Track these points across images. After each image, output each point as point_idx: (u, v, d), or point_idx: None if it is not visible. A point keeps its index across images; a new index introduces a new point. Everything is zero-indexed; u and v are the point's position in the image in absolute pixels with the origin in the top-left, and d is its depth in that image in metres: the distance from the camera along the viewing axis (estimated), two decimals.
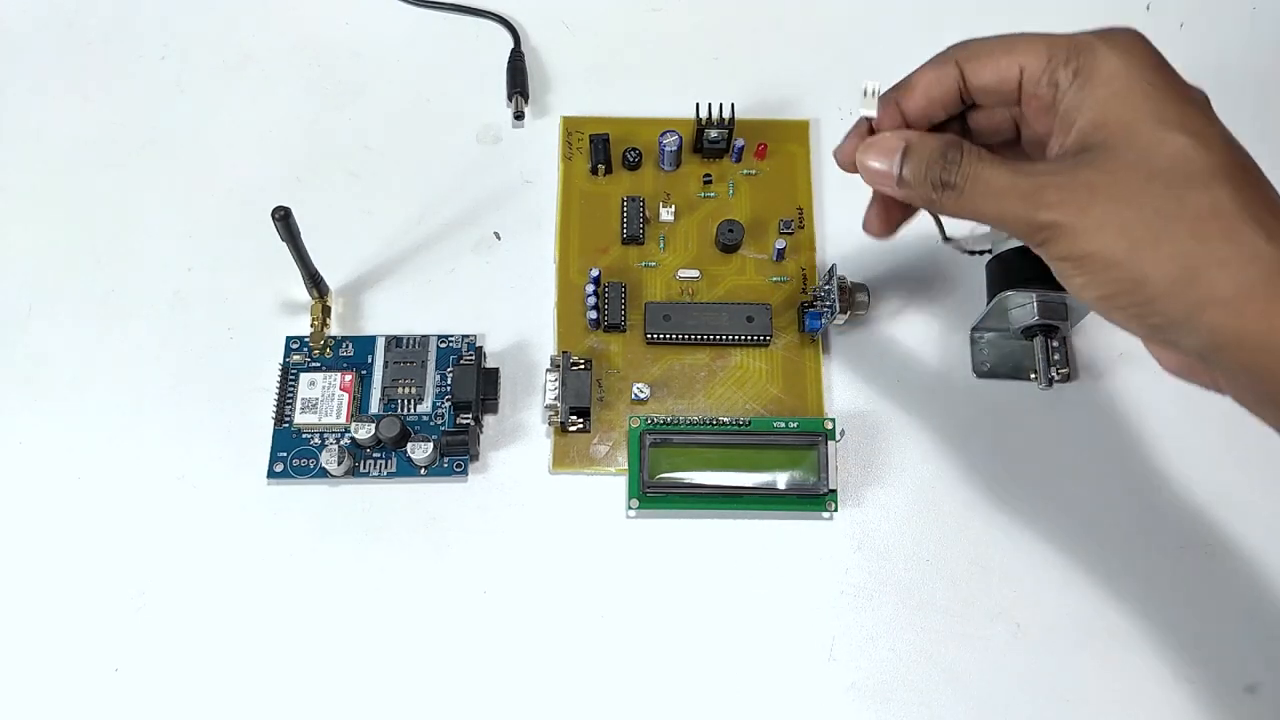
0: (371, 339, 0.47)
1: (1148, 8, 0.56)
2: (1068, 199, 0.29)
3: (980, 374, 0.47)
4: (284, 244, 0.42)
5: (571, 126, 0.52)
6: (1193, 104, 0.30)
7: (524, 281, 0.48)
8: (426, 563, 0.43)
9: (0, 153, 0.51)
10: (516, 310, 0.48)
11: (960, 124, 0.36)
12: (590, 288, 0.46)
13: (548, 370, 0.44)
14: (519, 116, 0.52)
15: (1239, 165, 0.29)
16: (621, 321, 0.46)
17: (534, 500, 0.44)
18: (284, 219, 0.40)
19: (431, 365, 0.46)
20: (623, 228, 0.49)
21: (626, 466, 0.44)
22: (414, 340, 0.46)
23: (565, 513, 0.44)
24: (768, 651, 0.42)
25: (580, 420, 0.45)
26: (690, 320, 0.46)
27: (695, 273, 0.48)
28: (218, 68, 0.53)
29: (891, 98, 0.35)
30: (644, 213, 0.49)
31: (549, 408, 0.44)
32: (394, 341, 0.46)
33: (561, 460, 0.45)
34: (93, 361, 0.47)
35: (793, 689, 0.41)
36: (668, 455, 0.43)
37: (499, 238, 0.50)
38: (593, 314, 0.46)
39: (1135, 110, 0.30)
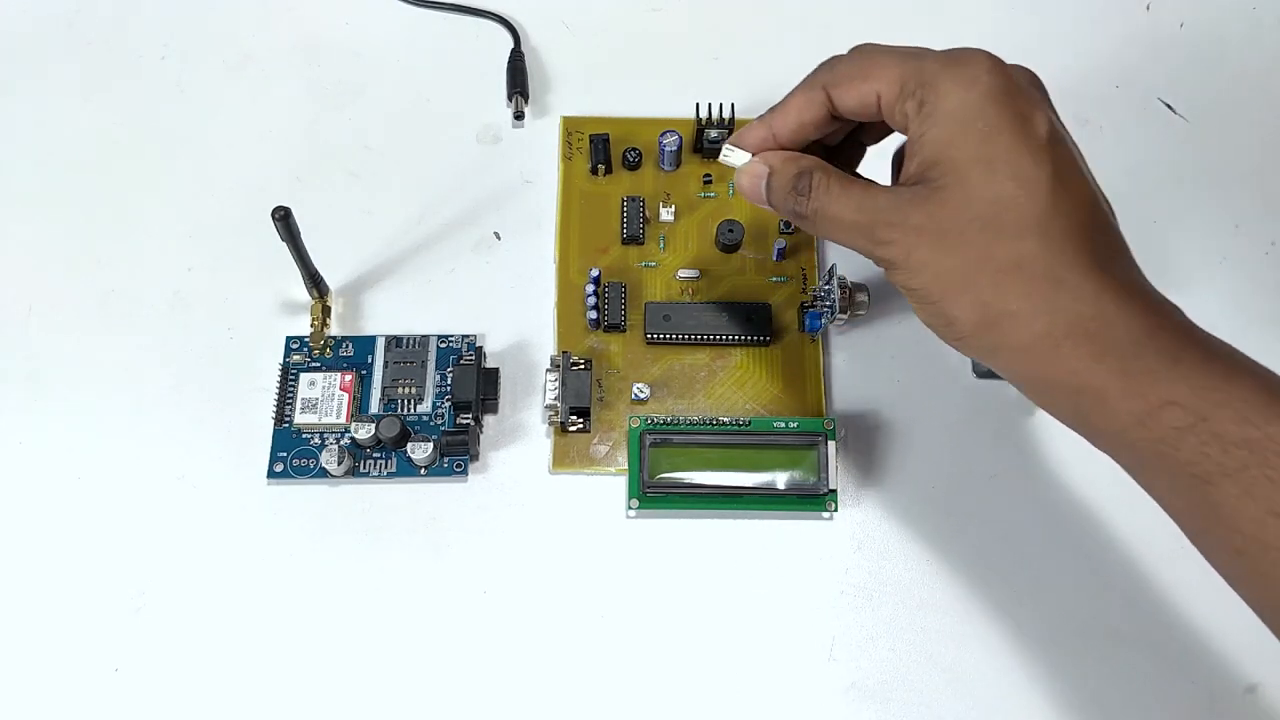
0: (371, 339, 0.47)
1: (1148, 8, 0.56)
2: (898, 239, 0.32)
3: (980, 374, 0.47)
4: (284, 244, 0.42)
5: (571, 126, 0.52)
6: (1027, 144, 0.31)
7: (524, 281, 0.48)
8: (426, 563, 0.43)
9: (0, 153, 0.51)
10: (516, 310, 0.48)
11: (855, 132, 0.37)
12: (590, 288, 0.46)
13: (548, 370, 0.44)
14: (519, 116, 0.52)
15: (1058, 215, 0.30)
16: (621, 321, 0.46)
17: (534, 500, 0.44)
18: (284, 219, 0.40)
19: (431, 365, 0.46)
20: (623, 228, 0.49)
21: (626, 466, 0.44)
22: (414, 340, 0.46)
23: (565, 513, 0.44)
24: (768, 651, 0.42)
25: (580, 420, 0.45)
26: (690, 320, 0.46)
27: (695, 273, 0.48)
28: (218, 68, 0.53)
29: (766, 119, 0.36)
30: (644, 213, 0.49)
31: (549, 408, 0.44)
32: (394, 341, 0.46)
33: (561, 460, 0.45)
34: (93, 361, 0.47)
35: (793, 689, 0.41)
36: (668, 455, 0.43)
37: (499, 238, 0.50)
38: (593, 314, 0.46)
39: (965, 153, 0.31)
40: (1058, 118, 0.33)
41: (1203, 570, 0.43)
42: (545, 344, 0.47)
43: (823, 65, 0.35)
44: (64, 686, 0.41)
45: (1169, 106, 0.53)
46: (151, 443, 0.45)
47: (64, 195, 0.50)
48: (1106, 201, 0.33)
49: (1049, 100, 0.33)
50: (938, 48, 0.34)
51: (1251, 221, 0.50)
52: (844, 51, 0.36)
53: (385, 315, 0.48)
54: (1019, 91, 0.31)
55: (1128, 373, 0.30)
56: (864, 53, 0.35)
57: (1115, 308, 0.30)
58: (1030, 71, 0.34)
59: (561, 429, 0.45)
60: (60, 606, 0.42)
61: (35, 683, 0.41)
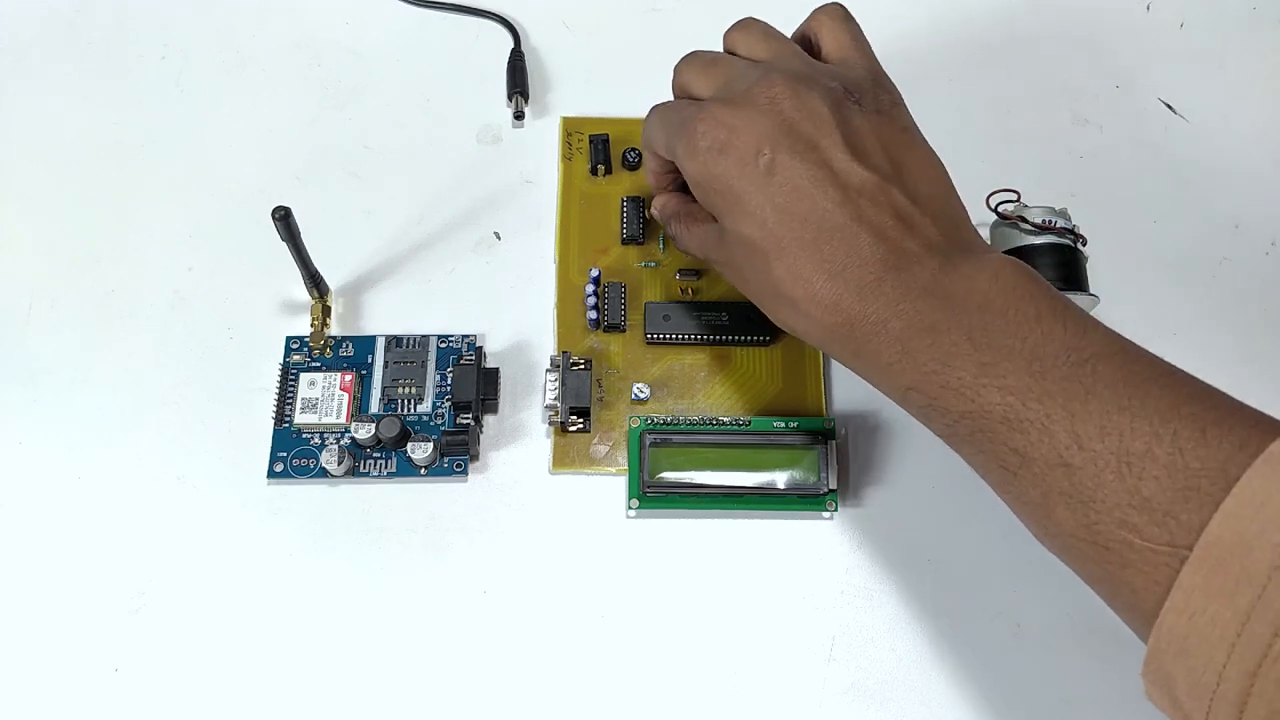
0: (371, 339, 0.47)
1: (1148, 8, 0.56)
2: (723, 269, 0.39)
3: None
4: (284, 244, 0.42)
5: (571, 126, 0.52)
6: (751, 185, 0.35)
7: (524, 281, 0.48)
8: (426, 563, 0.43)
9: (0, 152, 0.51)
10: (516, 310, 0.48)
11: None
12: (590, 288, 0.46)
13: (548, 370, 0.44)
14: (519, 116, 0.52)
15: (788, 242, 0.35)
16: (621, 321, 0.46)
17: (534, 500, 0.44)
18: (284, 219, 0.40)
19: (431, 365, 0.46)
20: (622, 228, 0.49)
21: (626, 466, 0.44)
22: (414, 340, 0.46)
23: (565, 513, 0.44)
24: (768, 651, 0.42)
25: (580, 420, 0.45)
26: (690, 320, 0.46)
27: (695, 273, 0.48)
28: (217, 68, 0.53)
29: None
30: (644, 213, 0.49)
31: (549, 408, 0.44)
32: (394, 341, 0.46)
33: (561, 460, 0.45)
34: (93, 361, 0.47)
35: (793, 689, 0.41)
36: (668, 455, 0.43)
37: (499, 238, 0.50)
38: (593, 314, 0.46)
39: (717, 206, 0.37)
40: (821, 103, 0.36)
41: None
42: (545, 344, 0.47)
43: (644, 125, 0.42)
44: (64, 686, 0.41)
45: (1169, 106, 0.53)
46: (151, 443, 0.45)
47: (64, 195, 0.50)
48: (876, 184, 0.35)
49: (793, 100, 0.36)
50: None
51: (1251, 221, 0.50)
52: None
53: (385, 315, 0.48)
54: (733, 142, 0.36)
55: (877, 366, 0.34)
56: (646, 124, 0.42)
57: (856, 309, 0.34)
58: (775, 79, 0.36)
59: (561, 429, 0.45)
60: (60, 606, 0.42)
61: (35, 683, 0.41)
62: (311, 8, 0.55)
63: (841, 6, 0.41)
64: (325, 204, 0.50)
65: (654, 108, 0.42)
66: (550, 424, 0.45)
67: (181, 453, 0.45)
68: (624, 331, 0.47)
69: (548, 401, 0.44)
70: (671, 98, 0.43)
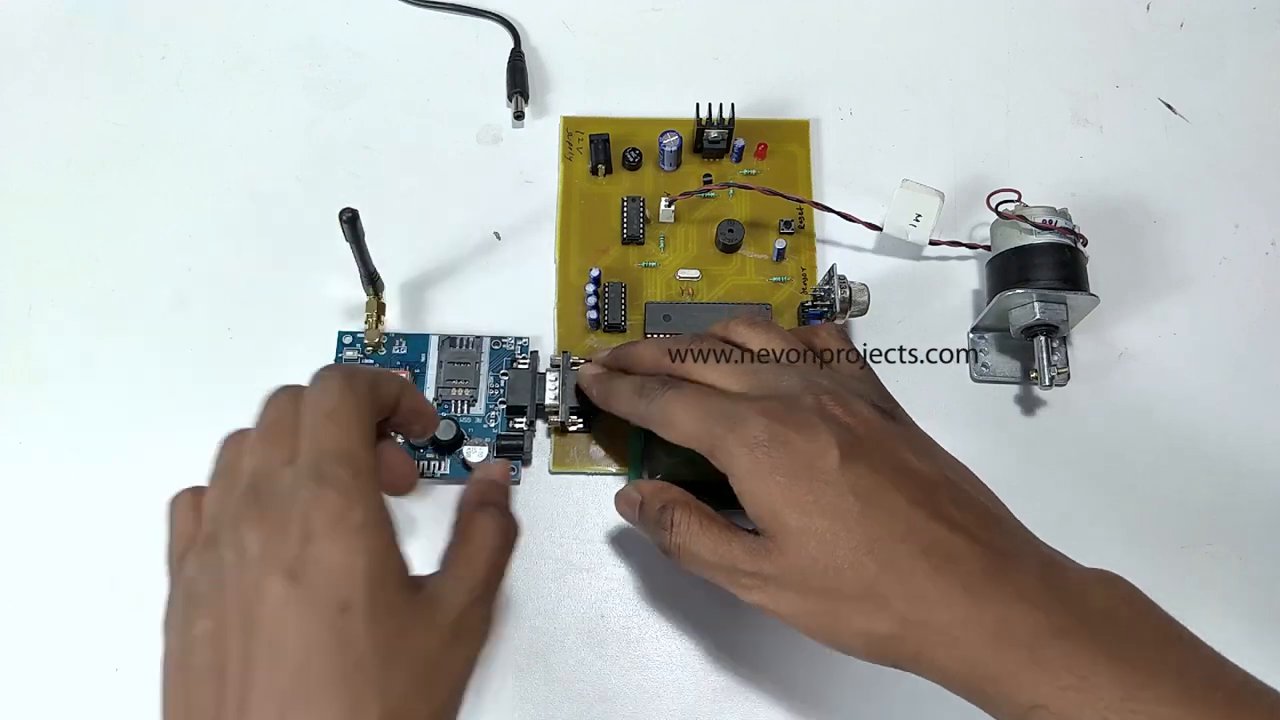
0: (425, 337, 0.46)
1: (1148, 8, 0.56)
2: (759, 586, 0.33)
3: (980, 375, 0.47)
4: (343, 243, 0.41)
5: (571, 126, 0.52)
6: (820, 482, 0.32)
7: (524, 281, 0.48)
8: (425, 562, 0.43)
9: (0, 153, 0.51)
10: (516, 310, 0.48)
11: None
12: (590, 288, 0.46)
13: (548, 370, 0.44)
14: (519, 116, 0.52)
15: (879, 536, 0.32)
16: (621, 321, 0.46)
17: (534, 500, 0.44)
18: (351, 221, 0.39)
19: (485, 366, 0.46)
20: (623, 228, 0.49)
21: (627, 466, 0.44)
22: (467, 340, 0.46)
23: (565, 513, 0.44)
24: (768, 651, 0.42)
25: (580, 420, 0.45)
26: (690, 320, 0.46)
27: (695, 273, 0.48)
28: (218, 68, 0.53)
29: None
30: (644, 213, 0.49)
31: (549, 408, 0.44)
32: (448, 341, 0.46)
33: (561, 460, 0.45)
34: (93, 361, 0.47)
35: (793, 689, 0.41)
36: (668, 455, 0.43)
37: (499, 238, 0.50)
38: (593, 314, 0.46)
39: (777, 508, 0.32)
40: (868, 411, 0.34)
41: (1202, 573, 0.44)
42: (545, 344, 0.47)
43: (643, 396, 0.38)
44: (64, 686, 0.41)
45: (1169, 106, 0.53)
46: (150, 443, 0.45)
47: (64, 195, 0.50)
48: (954, 471, 0.34)
49: (851, 397, 0.35)
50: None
51: (1251, 221, 0.50)
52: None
53: (385, 315, 0.48)
54: (794, 439, 0.33)
55: (994, 678, 0.30)
56: (662, 406, 0.36)
57: (966, 609, 0.31)
58: (819, 385, 0.35)
59: (561, 429, 0.45)
60: (61, 606, 0.42)
61: (35, 682, 0.41)
62: (311, 8, 0.55)
63: (840, 328, 0.40)
64: (325, 204, 0.49)
65: (673, 391, 0.37)
66: (550, 424, 0.45)
67: (181, 452, 0.45)
68: (624, 331, 0.47)
69: (548, 401, 0.44)
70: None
